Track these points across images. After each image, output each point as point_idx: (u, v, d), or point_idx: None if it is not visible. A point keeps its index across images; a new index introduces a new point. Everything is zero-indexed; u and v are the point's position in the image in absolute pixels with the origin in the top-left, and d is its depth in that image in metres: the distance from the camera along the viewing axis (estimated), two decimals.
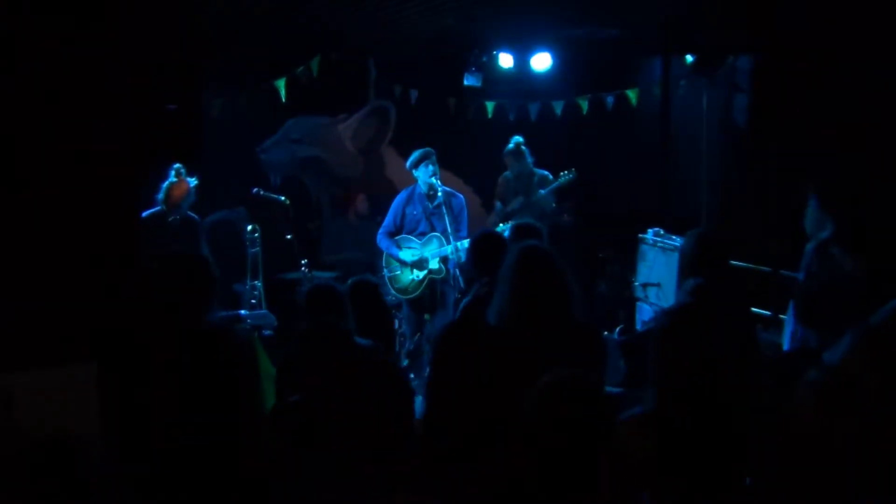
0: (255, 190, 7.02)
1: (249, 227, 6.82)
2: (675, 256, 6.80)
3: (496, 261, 3.84)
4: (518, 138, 7.45)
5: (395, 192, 7.03)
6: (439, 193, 6.47)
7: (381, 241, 6.81)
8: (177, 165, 5.90)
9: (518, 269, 3.42)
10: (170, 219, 5.96)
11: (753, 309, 4.77)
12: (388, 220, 6.79)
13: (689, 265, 4.31)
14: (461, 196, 6.76)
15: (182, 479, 2.77)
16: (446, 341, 3.20)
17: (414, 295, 6.68)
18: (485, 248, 4.46)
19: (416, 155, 6.59)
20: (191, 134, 5.65)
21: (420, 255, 6.62)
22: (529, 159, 7.40)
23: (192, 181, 6.00)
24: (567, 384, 2.33)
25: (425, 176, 6.52)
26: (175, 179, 5.93)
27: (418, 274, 6.64)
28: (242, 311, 6.32)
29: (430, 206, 6.61)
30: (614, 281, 7.77)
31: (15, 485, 1.98)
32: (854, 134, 6.24)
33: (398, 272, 6.72)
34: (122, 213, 3.11)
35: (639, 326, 6.81)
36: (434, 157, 6.55)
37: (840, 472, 1.92)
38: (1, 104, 2.85)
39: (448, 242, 6.44)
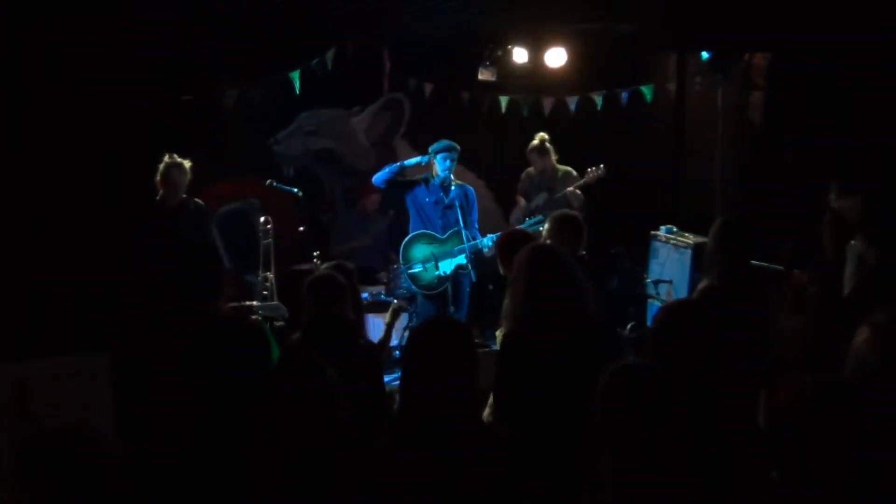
0: (269, 181, 7.04)
1: (262, 219, 6.83)
2: (688, 254, 6.81)
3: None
4: (543, 134, 7.47)
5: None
6: (453, 187, 6.50)
7: (382, 170, 6.74)
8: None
9: (530, 269, 3.42)
10: (169, 204, 5.98)
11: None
12: (408, 163, 6.74)
13: (710, 252, 4.38)
14: (471, 188, 6.78)
15: (194, 467, 2.78)
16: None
17: (437, 290, 6.67)
18: (511, 247, 4.56)
19: (440, 143, 6.62)
20: (206, 125, 5.67)
21: (444, 250, 6.62)
22: (554, 156, 7.43)
23: (185, 163, 6.01)
24: (632, 372, 2.37)
25: (442, 166, 6.54)
26: (168, 161, 5.95)
27: (445, 270, 6.63)
28: (254, 302, 6.34)
29: (445, 198, 6.62)
30: (626, 277, 7.75)
31: (27, 473, 1.98)
32: (870, 130, 6.20)
33: (420, 269, 6.69)
34: (133, 204, 3.12)
35: (650, 323, 6.80)
36: (455, 154, 6.58)
37: (843, 475, 1.91)
38: (14, 98, 2.87)
39: (468, 239, 6.47)
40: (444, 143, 6.62)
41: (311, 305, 4.01)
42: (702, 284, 4.49)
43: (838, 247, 4.47)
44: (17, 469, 1.97)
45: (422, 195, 6.69)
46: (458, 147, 6.63)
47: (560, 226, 4.85)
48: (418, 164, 6.73)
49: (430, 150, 6.67)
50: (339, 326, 3.51)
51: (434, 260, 6.64)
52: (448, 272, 6.62)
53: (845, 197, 4.67)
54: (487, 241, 6.50)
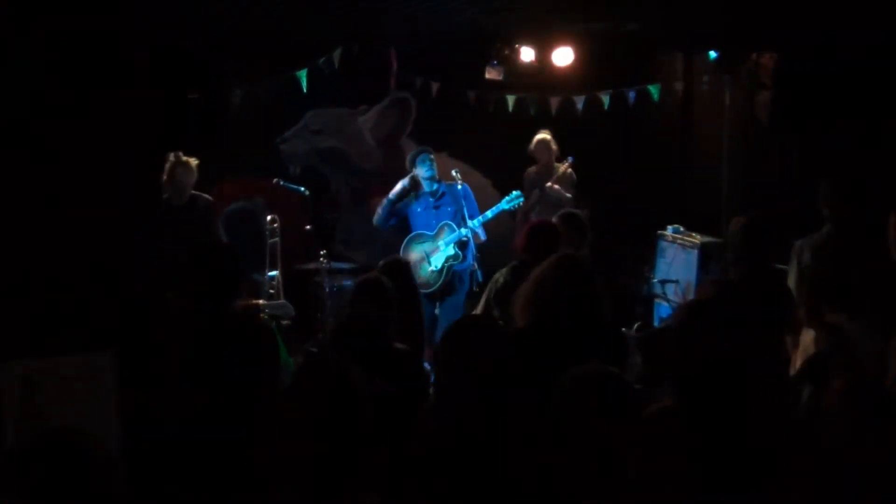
0: (276, 180, 7.05)
1: (269, 218, 6.84)
2: (695, 254, 6.79)
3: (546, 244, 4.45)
4: (546, 131, 7.49)
5: None
6: (438, 186, 6.64)
7: (384, 207, 6.84)
8: None
9: (550, 274, 3.42)
10: (175, 203, 6.00)
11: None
12: (394, 195, 6.80)
13: (733, 251, 4.38)
14: (461, 185, 6.78)
15: (202, 467, 2.78)
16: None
17: (435, 287, 6.69)
18: (538, 233, 4.80)
19: (411, 155, 6.78)
20: (212, 123, 5.67)
21: (434, 245, 6.65)
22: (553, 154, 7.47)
23: (192, 161, 6.03)
24: (595, 376, 2.35)
25: (423, 169, 6.60)
26: (174, 159, 5.97)
27: (436, 264, 6.65)
28: (261, 301, 6.35)
29: (433, 200, 6.68)
30: (632, 277, 7.73)
31: (19, 475, 1.98)
32: (879, 131, 6.18)
33: (417, 269, 6.72)
34: (141, 203, 3.12)
35: (656, 323, 6.78)
36: (429, 154, 6.69)
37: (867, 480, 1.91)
38: (18, 99, 2.87)
39: (458, 227, 6.51)
40: (412, 153, 6.79)
41: (350, 307, 4.03)
42: (713, 282, 4.48)
43: None
44: (10, 470, 1.97)
45: (414, 207, 6.76)
46: (429, 147, 6.77)
47: (565, 224, 4.89)
48: (404, 189, 6.74)
49: (408, 161, 6.76)
50: (365, 329, 3.50)
51: (426, 257, 6.67)
52: (438, 267, 6.63)
53: None
54: (476, 224, 6.54)
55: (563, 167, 7.39)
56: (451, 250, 6.62)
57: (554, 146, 7.52)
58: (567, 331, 3.31)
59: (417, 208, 6.77)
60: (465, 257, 6.62)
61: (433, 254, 6.67)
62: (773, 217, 4.86)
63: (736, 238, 4.46)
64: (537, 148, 7.55)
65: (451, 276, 6.67)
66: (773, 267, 4.63)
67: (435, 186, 6.69)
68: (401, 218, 6.84)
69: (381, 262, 4.77)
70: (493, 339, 2.68)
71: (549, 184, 7.29)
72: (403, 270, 4.68)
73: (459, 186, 6.63)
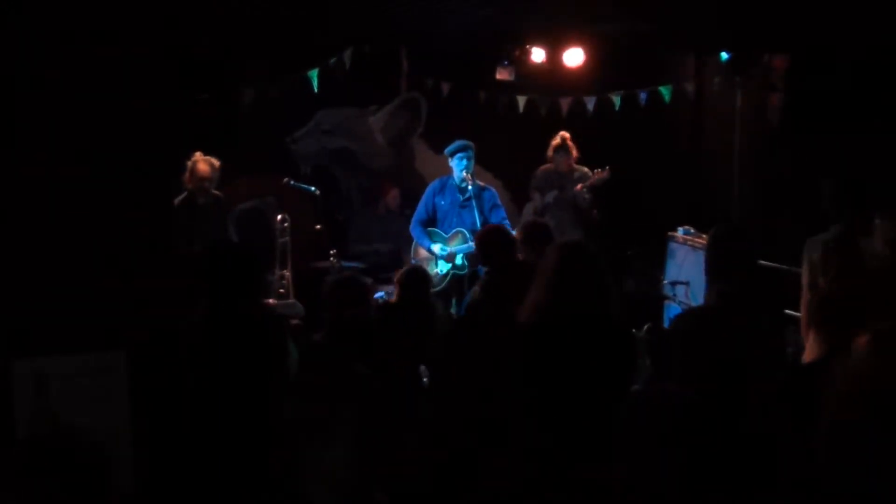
0: (286, 179, 7.07)
1: (279, 217, 6.87)
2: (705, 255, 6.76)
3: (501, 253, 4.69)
4: (564, 133, 7.45)
5: (425, 185, 7.04)
6: (469, 188, 6.51)
7: (414, 229, 6.82)
8: None
9: (558, 264, 3.40)
10: (200, 201, 6.04)
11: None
12: (420, 209, 6.81)
13: (717, 261, 4.33)
14: (493, 190, 6.78)
15: (210, 465, 2.80)
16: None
17: (439, 288, 6.69)
18: (490, 241, 4.87)
19: (454, 145, 6.65)
20: (223, 123, 5.67)
21: (448, 250, 6.63)
22: (574, 154, 7.41)
23: (214, 161, 6.08)
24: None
25: (457, 168, 6.56)
26: (197, 159, 6.01)
27: (443, 268, 6.65)
28: (271, 300, 6.38)
29: (461, 197, 6.63)
30: (642, 278, 7.71)
31: (33, 472, 2.00)
32: (888, 132, 6.16)
33: (425, 266, 6.71)
34: (153, 200, 3.14)
35: (666, 325, 6.77)
36: (470, 152, 6.58)
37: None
38: (33, 93, 2.89)
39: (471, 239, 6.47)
40: (457, 143, 6.64)
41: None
42: (716, 290, 4.43)
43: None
44: (20, 468, 1.98)
45: (438, 199, 6.73)
46: (472, 144, 6.64)
47: (530, 234, 4.91)
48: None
49: (445, 152, 6.70)
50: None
51: (434, 258, 6.67)
52: (443, 272, 6.63)
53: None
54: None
55: (599, 175, 7.25)
56: (459, 260, 6.60)
57: (567, 149, 7.47)
58: (575, 325, 3.29)
59: (441, 202, 6.74)
60: (472, 268, 6.57)
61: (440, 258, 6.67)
62: (746, 225, 4.82)
63: (717, 246, 4.39)
64: (551, 153, 7.49)
65: (455, 281, 6.65)
66: (758, 272, 4.60)
67: (465, 185, 6.60)
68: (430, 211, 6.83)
69: (401, 272, 4.80)
70: (494, 338, 2.68)
71: (579, 186, 7.21)
72: (419, 281, 4.71)
73: (487, 192, 6.64)
